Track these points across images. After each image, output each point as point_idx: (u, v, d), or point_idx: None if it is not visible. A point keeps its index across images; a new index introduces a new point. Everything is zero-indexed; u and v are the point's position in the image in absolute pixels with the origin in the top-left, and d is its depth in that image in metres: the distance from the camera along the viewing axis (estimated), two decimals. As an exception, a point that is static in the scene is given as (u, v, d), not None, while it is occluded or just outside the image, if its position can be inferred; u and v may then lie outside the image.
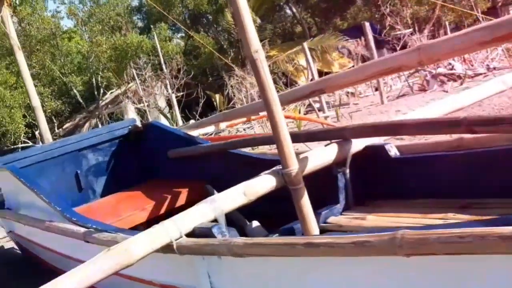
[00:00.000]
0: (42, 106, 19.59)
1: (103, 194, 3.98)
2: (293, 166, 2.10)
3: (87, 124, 18.82)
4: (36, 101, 5.83)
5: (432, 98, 9.11)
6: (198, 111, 13.84)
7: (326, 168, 2.43)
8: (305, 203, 2.15)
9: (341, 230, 2.37)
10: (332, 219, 2.49)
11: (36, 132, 18.95)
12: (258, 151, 4.47)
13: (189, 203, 3.24)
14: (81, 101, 19.63)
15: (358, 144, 2.52)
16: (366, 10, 22.84)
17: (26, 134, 18.61)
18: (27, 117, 18.84)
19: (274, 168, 2.28)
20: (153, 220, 3.11)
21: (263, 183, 2.25)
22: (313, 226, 2.15)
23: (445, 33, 18.52)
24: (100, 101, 19.07)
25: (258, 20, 17.63)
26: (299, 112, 9.69)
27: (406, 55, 2.22)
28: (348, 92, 14.57)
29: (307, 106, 12.56)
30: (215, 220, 2.16)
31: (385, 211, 2.43)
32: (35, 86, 19.11)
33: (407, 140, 5.08)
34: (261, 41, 2.13)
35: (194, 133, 4.29)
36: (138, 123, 4.11)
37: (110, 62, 18.35)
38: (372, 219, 2.37)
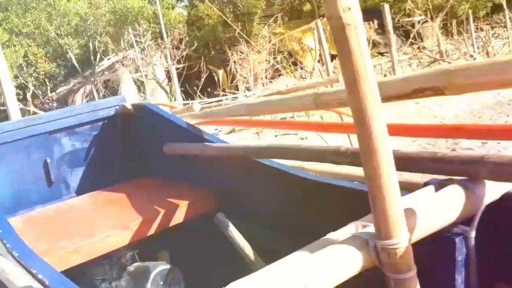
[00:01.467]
0: (36, 68, 18.94)
1: (78, 192, 3.22)
2: (399, 236, 1.09)
3: (81, 90, 18.01)
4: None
5: None
6: (199, 87, 13.03)
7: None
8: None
9: None
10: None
11: (28, 95, 18.20)
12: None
13: (192, 220, 2.53)
14: (76, 65, 18.79)
15: (493, 189, 1.34)
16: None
17: (17, 95, 17.78)
18: (19, 77, 18.04)
19: (355, 233, 1.22)
20: (137, 243, 2.41)
21: (332, 262, 1.12)
22: None
23: (457, 24, 17.79)
24: (96, 67, 18.24)
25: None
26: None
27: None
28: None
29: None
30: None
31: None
32: (29, 46, 18.36)
33: None
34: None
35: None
36: (128, 104, 3.29)
37: (108, 26, 17.47)
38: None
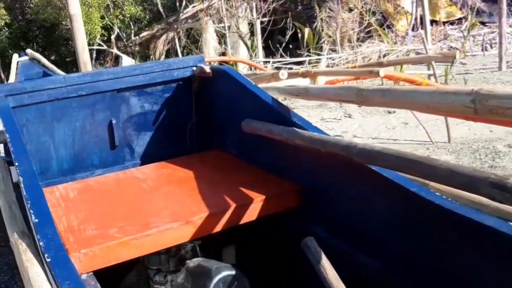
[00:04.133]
0: (122, 10, 19.12)
1: (142, 159, 2.87)
2: None
3: (163, 37, 17.90)
4: (75, 8, 4.60)
5: None
6: (283, 44, 12.34)
7: None
8: None
9: None
10: None
11: (112, 36, 18.39)
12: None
13: (269, 216, 2.08)
14: (161, 10, 18.66)
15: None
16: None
17: (102, 36, 18.09)
18: (106, 18, 18.21)
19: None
20: (207, 238, 2.01)
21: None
22: None
23: None
24: (181, 14, 17.97)
25: None
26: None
27: None
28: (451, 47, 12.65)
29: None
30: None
31: None
32: (116, -13, 18.40)
33: None
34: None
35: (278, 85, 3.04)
36: (206, 67, 2.84)
37: (196, -28, 17.03)
38: None
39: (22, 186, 1.66)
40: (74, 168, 2.74)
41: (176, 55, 17.28)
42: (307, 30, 13.71)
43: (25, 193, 1.61)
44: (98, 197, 2.28)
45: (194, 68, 2.87)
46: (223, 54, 13.81)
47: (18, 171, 1.74)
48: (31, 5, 20.72)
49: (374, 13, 13.82)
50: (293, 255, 2.11)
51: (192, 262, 2.10)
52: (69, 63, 20.80)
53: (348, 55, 10.55)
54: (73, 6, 4.43)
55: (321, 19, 13.72)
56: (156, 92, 2.87)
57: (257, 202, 2.03)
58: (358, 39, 11.95)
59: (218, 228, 1.97)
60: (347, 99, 1.74)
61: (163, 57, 17.34)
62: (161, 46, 17.47)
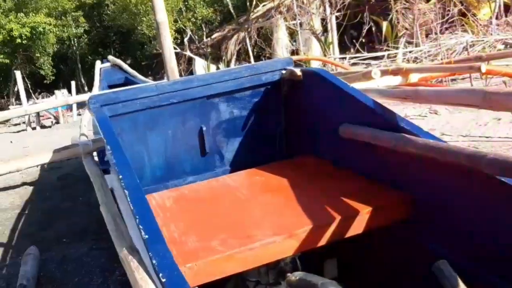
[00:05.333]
0: (194, 13, 19.53)
1: (233, 166, 2.82)
2: None
3: (235, 37, 18.06)
4: (162, 16, 4.68)
5: None
6: (359, 39, 12.02)
7: None
8: None
9: None
10: None
11: (185, 39, 18.82)
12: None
13: (375, 229, 1.94)
14: (232, 11, 18.86)
15: None
16: None
17: (175, 39, 18.55)
18: (178, 21, 18.68)
19: None
20: (309, 253, 1.89)
21: None
22: None
23: None
24: (251, 13, 18.05)
25: None
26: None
27: None
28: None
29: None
30: None
31: None
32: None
33: None
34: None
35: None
36: (297, 69, 2.74)
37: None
38: None
39: (128, 200, 1.63)
40: (166, 175, 2.74)
41: (247, 55, 17.38)
42: (385, 23, 13.27)
43: (132, 208, 1.59)
44: (194, 206, 2.24)
45: (283, 71, 2.78)
46: (295, 52, 13.68)
47: (123, 184, 1.73)
48: (108, 12, 21.67)
49: (453, 2, 13.14)
50: (403, 270, 1.96)
51: (293, 276, 2.00)
52: (144, 67, 21.55)
53: (430, 48, 10.02)
54: (160, 14, 4.51)
55: (396, 11, 13.24)
56: (244, 97, 2.81)
57: (363, 214, 1.89)
58: (441, 31, 11.36)
59: (322, 242, 1.86)
60: (471, 103, 1.56)
61: (234, 57, 17.51)
62: (232, 46, 17.63)
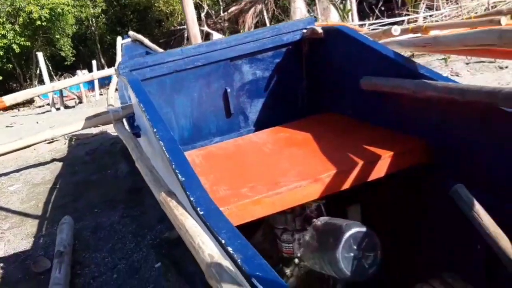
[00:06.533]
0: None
1: (257, 126, 2.92)
2: None
3: (252, 10, 17.97)
4: None
5: None
6: (378, 6, 11.88)
7: None
8: None
9: None
10: None
11: (202, 14, 18.78)
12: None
13: (394, 174, 2.02)
14: (248, -16, 18.72)
15: None
16: None
17: (192, 15, 18.50)
18: (195, -3, 18.60)
19: None
20: (332, 197, 1.99)
21: None
22: None
23: None
24: (267, -15, 17.90)
25: None
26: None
27: None
28: None
29: None
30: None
31: None
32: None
33: None
34: None
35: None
36: (318, 27, 2.80)
37: None
38: None
39: (164, 149, 1.75)
40: (194, 137, 2.86)
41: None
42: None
43: (167, 156, 1.70)
44: (222, 162, 2.36)
45: (304, 31, 2.84)
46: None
47: (157, 136, 1.84)
48: (125, -10, 21.64)
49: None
50: (424, 212, 2.04)
51: (319, 221, 2.12)
52: (162, 44, 21.61)
53: (451, 11, 9.86)
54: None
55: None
56: (267, 58, 2.88)
57: (384, 159, 1.98)
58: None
59: (346, 185, 1.96)
60: (488, 42, 1.61)
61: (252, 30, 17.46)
62: (249, 19, 17.56)
